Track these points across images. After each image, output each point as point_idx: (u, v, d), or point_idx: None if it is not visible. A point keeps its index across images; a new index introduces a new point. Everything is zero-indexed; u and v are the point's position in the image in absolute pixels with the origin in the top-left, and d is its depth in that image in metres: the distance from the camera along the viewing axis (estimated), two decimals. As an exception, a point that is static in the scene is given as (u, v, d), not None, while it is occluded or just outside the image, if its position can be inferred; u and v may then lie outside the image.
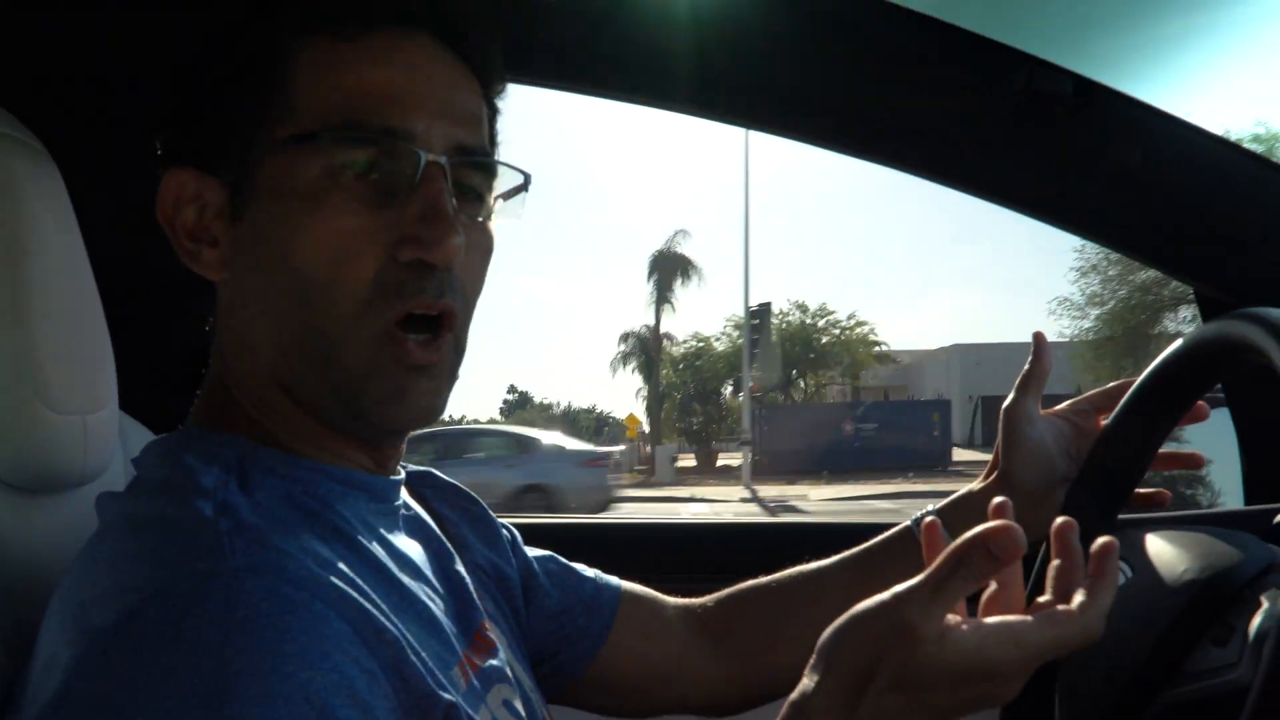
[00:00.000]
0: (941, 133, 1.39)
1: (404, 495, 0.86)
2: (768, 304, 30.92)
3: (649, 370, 38.38)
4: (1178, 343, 1.06)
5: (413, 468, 0.97)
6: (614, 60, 1.34)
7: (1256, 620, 0.79)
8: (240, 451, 0.73)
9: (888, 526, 1.12)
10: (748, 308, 28.43)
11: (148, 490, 0.73)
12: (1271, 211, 1.40)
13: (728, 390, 35.06)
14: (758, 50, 1.34)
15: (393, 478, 0.82)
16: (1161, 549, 0.93)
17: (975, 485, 1.10)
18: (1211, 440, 1.47)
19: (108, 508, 0.74)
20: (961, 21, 1.34)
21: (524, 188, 0.79)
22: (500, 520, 1.02)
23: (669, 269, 37.67)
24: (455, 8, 0.77)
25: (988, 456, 1.09)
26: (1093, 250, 23.12)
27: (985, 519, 1.04)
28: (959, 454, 27.39)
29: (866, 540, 1.12)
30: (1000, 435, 1.08)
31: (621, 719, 1.07)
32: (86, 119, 0.79)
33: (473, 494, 1.01)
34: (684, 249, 38.47)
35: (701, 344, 35.91)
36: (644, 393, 39.47)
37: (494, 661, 0.80)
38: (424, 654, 0.69)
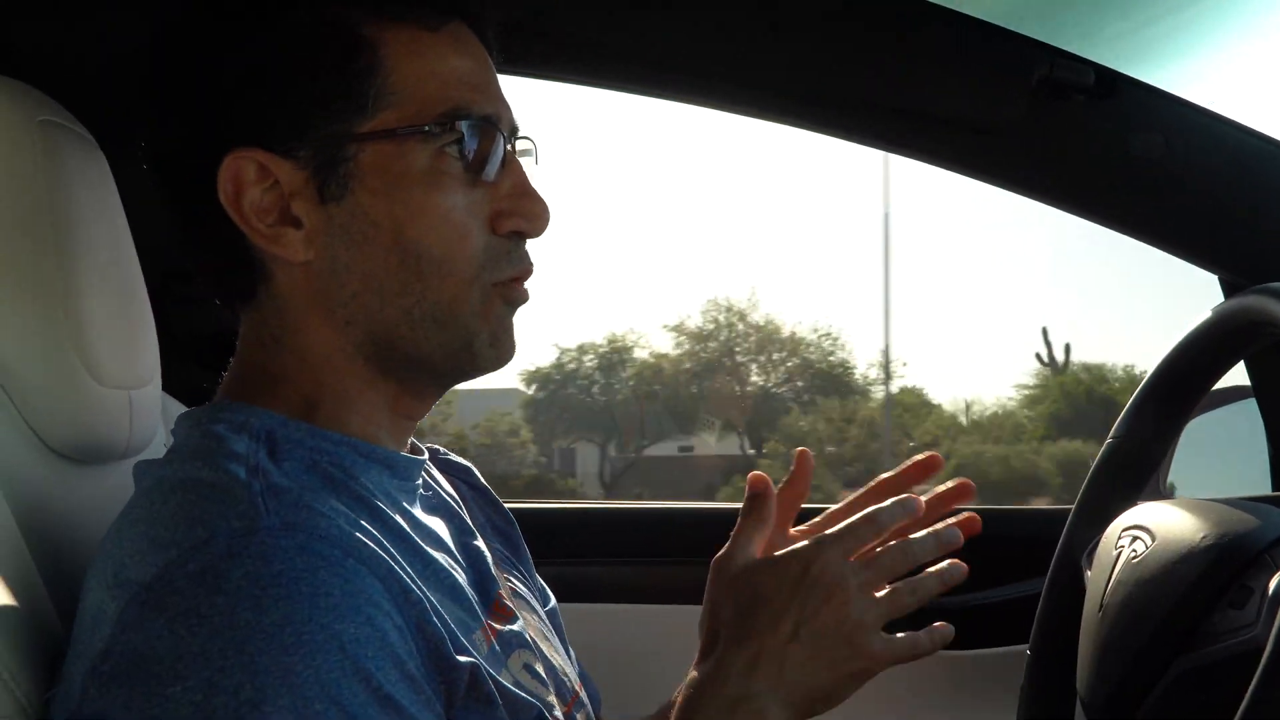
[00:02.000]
0: (964, 124, 1.41)
1: (432, 477, 0.89)
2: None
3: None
4: (1199, 321, 1.07)
5: (455, 458, 0.99)
6: (625, 50, 1.36)
7: (1275, 581, 0.80)
8: (268, 422, 0.75)
9: None
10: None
11: (181, 456, 0.75)
12: None
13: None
14: (774, 43, 1.36)
15: (414, 456, 0.84)
16: (1180, 517, 0.94)
17: None
18: (1240, 427, 1.47)
19: (144, 474, 0.76)
20: (982, 13, 1.36)
21: (531, 154, 0.85)
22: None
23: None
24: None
25: None
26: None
27: None
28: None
29: None
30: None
31: None
32: (133, 110, 0.82)
33: (503, 505, 1.01)
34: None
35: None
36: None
37: (513, 627, 0.82)
38: (447, 617, 0.71)
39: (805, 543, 0.77)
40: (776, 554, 0.78)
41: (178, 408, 1.04)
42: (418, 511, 0.81)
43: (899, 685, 1.46)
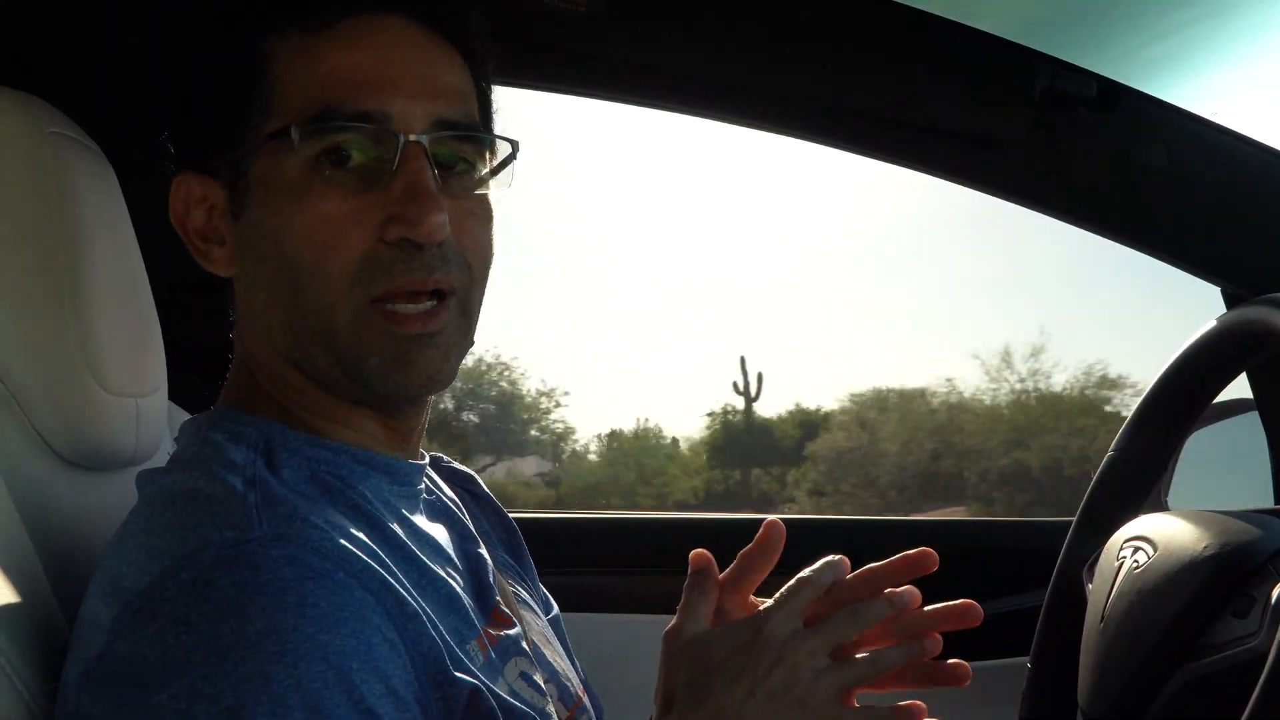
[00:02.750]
0: (967, 136, 1.41)
1: (434, 483, 0.88)
2: None
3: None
4: (1200, 331, 1.07)
5: (458, 467, 0.98)
6: (631, 65, 1.37)
7: (1278, 590, 0.80)
8: (266, 431, 0.75)
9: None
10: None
11: (181, 466, 0.76)
12: None
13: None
14: (780, 55, 1.36)
15: (415, 461, 0.83)
16: (1182, 527, 0.94)
17: None
18: (1241, 440, 1.47)
19: (145, 483, 0.77)
20: (985, 25, 1.37)
21: (513, 157, 0.80)
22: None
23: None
24: None
25: None
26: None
27: None
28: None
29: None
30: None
31: None
32: (139, 122, 0.84)
33: (507, 514, 1.01)
34: None
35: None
36: None
37: (509, 633, 0.81)
38: (443, 629, 0.71)
39: (760, 609, 0.75)
40: (729, 622, 0.77)
41: (184, 416, 1.05)
42: (418, 519, 0.81)
43: (896, 699, 1.45)
